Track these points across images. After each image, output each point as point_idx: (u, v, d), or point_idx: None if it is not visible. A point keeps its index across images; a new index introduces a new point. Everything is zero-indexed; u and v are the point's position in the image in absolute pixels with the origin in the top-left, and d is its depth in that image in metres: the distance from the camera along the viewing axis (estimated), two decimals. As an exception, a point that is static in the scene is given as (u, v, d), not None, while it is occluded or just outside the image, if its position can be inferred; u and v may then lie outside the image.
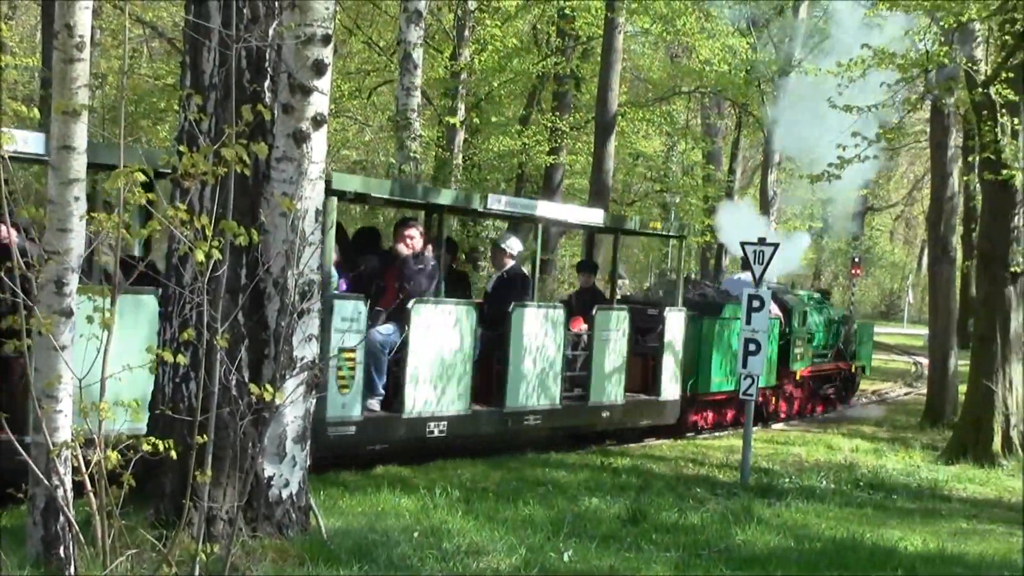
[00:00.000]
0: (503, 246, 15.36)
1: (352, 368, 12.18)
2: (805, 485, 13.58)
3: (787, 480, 13.91)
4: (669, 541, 9.88)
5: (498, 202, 14.49)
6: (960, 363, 22.15)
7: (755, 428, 16.06)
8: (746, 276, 18.86)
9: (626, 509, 11.01)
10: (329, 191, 10.92)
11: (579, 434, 16.45)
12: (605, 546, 9.46)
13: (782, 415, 21.60)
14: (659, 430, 17.56)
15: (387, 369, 12.96)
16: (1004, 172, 16.26)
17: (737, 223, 22.05)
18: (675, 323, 17.21)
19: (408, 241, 13.57)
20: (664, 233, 19.74)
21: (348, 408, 12.18)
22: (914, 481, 14.90)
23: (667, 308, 17.22)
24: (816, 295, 25.04)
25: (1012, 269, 16.98)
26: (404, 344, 12.89)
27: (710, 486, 13.24)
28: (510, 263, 15.23)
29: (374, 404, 12.82)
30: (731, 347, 18.18)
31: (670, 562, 9.16)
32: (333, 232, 11.87)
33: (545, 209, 15.25)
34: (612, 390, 15.99)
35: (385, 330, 12.96)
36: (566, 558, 8.88)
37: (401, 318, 12.98)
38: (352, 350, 12.11)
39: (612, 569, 8.76)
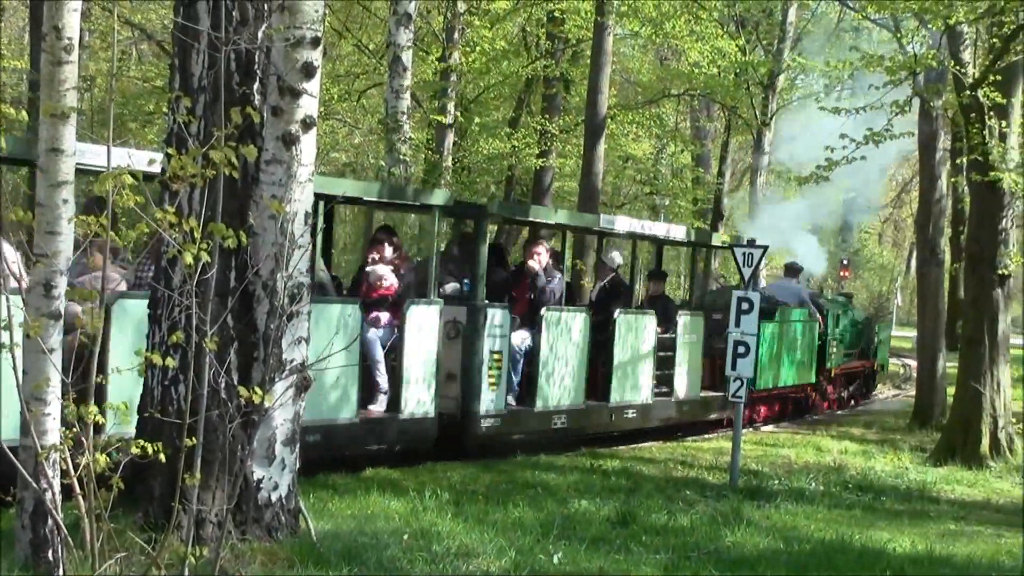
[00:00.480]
0: (605, 259, 17.91)
1: (499, 368, 14.23)
2: (794, 487, 13.60)
3: (776, 482, 13.93)
4: (658, 543, 9.89)
5: (610, 223, 16.79)
6: (948, 365, 22.18)
7: (746, 431, 16.12)
8: (786, 282, 22.79)
9: (615, 511, 11.02)
10: (484, 215, 14.54)
11: (662, 428, 18.06)
12: (594, 548, 9.47)
13: (825, 407, 23.78)
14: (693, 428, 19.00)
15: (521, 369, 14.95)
16: (992, 174, 16.29)
17: (776, 225, 23.14)
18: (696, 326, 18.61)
19: (537, 257, 15.38)
20: (713, 244, 20.66)
21: (496, 403, 14.28)
22: (903, 483, 14.93)
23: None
24: (840, 298, 27.00)
25: (1000, 271, 17.01)
26: (536, 347, 14.87)
27: (699, 488, 13.26)
28: (611, 274, 17.58)
29: (511, 400, 14.71)
30: (784, 348, 20.66)
31: (659, 564, 9.17)
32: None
33: (642, 227, 17.54)
34: (691, 387, 18.09)
35: (520, 335, 14.77)
36: (555, 560, 8.89)
37: (533, 324, 14.93)
38: (499, 352, 14.20)
39: (601, 571, 8.77)
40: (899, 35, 18.97)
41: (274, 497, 8.28)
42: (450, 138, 26.35)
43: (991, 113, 16.35)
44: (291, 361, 8.19)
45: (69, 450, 6.28)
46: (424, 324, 13.29)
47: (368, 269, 13.91)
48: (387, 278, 13.72)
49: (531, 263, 15.33)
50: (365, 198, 13.61)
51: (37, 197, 6.74)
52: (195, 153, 6.14)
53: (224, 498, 7.73)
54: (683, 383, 17.89)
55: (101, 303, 6.23)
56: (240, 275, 7.98)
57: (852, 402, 25.65)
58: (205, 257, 6.07)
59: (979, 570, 10.06)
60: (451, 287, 14.59)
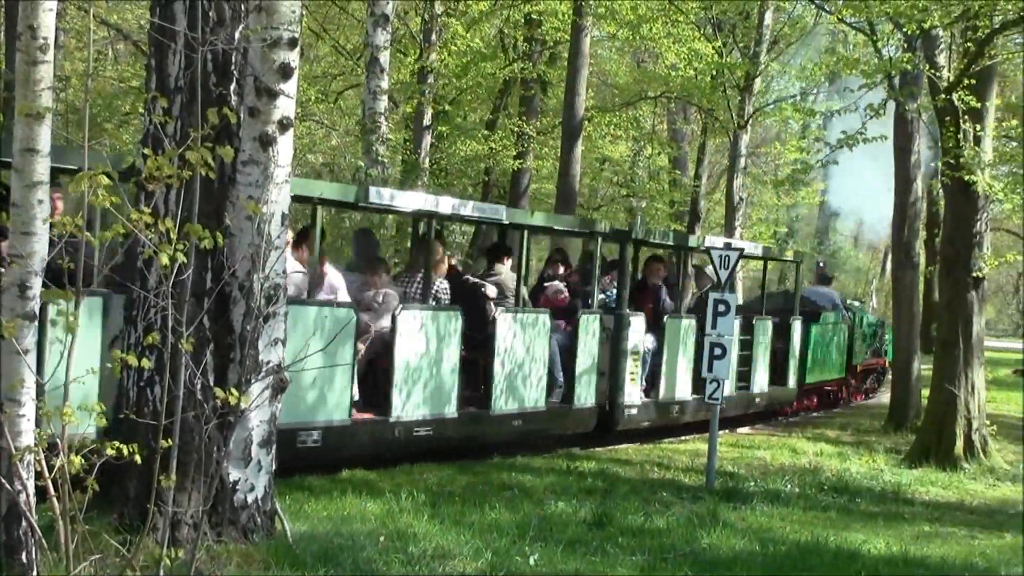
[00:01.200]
0: (706, 271, 20.26)
1: (637, 365, 16.80)
2: (770, 489, 13.63)
3: (752, 484, 13.95)
4: (635, 545, 9.90)
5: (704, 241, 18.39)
6: (923, 367, 22.26)
7: (722, 433, 16.14)
8: (821, 288, 25.88)
9: (592, 513, 11.03)
10: (628, 238, 17.15)
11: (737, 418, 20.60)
12: (571, 550, 9.48)
13: (856, 398, 27.08)
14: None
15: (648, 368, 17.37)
16: (966, 177, 16.35)
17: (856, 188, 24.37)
18: (796, 329, 22.10)
19: (658, 273, 18.40)
20: (784, 258, 24.45)
21: (633, 396, 16.82)
22: (877, 485, 14.97)
23: (791, 318, 21.92)
24: (857, 303, 29.57)
25: (974, 274, 17.08)
26: (660, 349, 17.47)
27: (676, 490, 13.28)
28: (709, 283, 19.48)
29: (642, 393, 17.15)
30: (825, 347, 23.69)
31: (636, 565, 9.18)
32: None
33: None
34: (763, 381, 20.93)
35: (648, 340, 17.19)
36: (532, 562, 8.90)
37: (657, 331, 17.42)
38: (637, 353, 16.80)
39: (578, 572, 8.78)
40: (874, 38, 19.03)
41: (250, 498, 8.26)
42: (427, 139, 26.35)
43: (966, 116, 16.41)
44: (267, 362, 8.18)
45: (44, 451, 6.26)
46: (589, 330, 15.92)
47: (547, 284, 17.04)
48: (563, 292, 16.80)
49: (653, 278, 18.22)
50: (556, 227, 16.91)
51: (12, 198, 6.71)
52: (171, 154, 6.12)
53: (200, 499, 7.72)
54: (760, 379, 20.79)
55: (77, 305, 6.20)
56: (216, 276, 7.97)
57: (867, 394, 28.50)
58: (181, 258, 6.05)
59: (953, 571, 10.10)
60: (600, 297, 16.62)
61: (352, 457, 12.70)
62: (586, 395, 16.04)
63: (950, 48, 18.46)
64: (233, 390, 6.62)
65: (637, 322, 16.83)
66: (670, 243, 19.41)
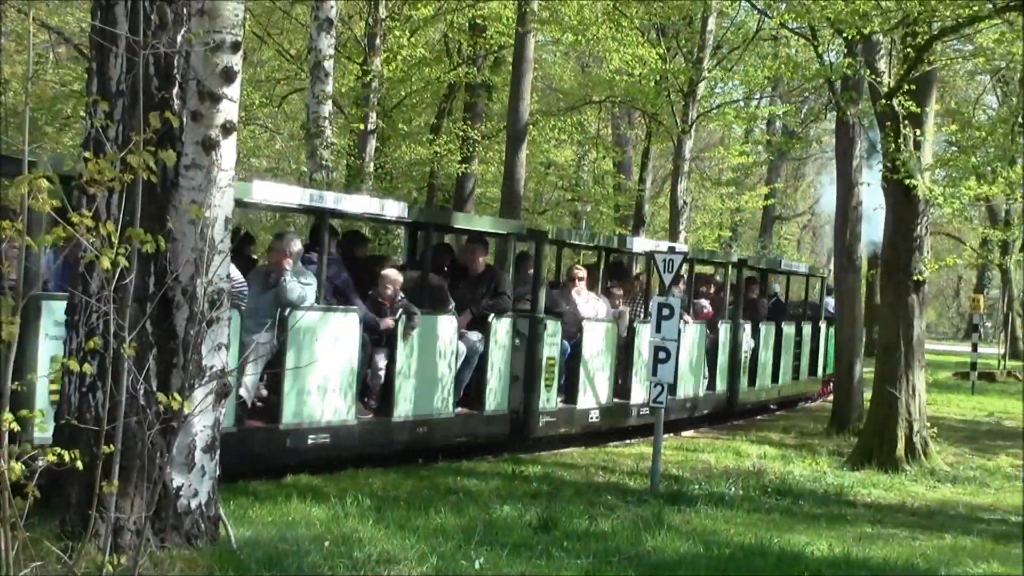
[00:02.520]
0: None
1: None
2: (714, 491, 13.68)
3: (697, 487, 14.00)
4: (580, 548, 9.92)
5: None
6: (866, 370, 22.43)
7: (667, 436, 16.21)
8: (828, 299, 27.07)
9: (537, 517, 11.04)
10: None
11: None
12: (516, 554, 9.49)
13: None
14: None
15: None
16: (907, 182, 16.49)
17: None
18: (821, 332, 26.10)
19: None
20: (808, 273, 26.99)
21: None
22: (820, 487, 15.07)
23: (817, 320, 25.78)
24: None
25: (915, 277, 17.23)
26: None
27: (621, 493, 13.31)
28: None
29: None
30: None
31: (581, 569, 9.20)
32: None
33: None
34: (788, 377, 24.53)
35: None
36: (477, 566, 8.90)
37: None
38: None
39: (523, 576, 8.79)
40: (816, 44, 19.17)
41: (194, 504, 8.22)
42: (372, 144, 26.29)
43: (906, 121, 16.55)
44: (211, 367, 8.15)
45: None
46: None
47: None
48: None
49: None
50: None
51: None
52: (113, 157, 6.09)
53: (143, 505, 7.67)
54: (785, 375, 24.40)
55: (17, 311, 6.16)
56: (159, 281, 7.92)
57: None
58: (123, 262, 6.02)
59: (895, 572, 10.19)
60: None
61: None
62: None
63: (890, 54, 18.64)
64: (176, 395, 6.60)
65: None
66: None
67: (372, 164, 26.28)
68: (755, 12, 27.20)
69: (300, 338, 12.50)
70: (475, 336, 15.17)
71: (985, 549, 11.51)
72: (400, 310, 13.99)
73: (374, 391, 14.11)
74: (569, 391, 16.85)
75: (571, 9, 26.45)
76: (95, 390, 7.89)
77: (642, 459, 15.84)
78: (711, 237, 46.72)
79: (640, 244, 20.43)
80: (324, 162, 21.77)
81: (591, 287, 18.11)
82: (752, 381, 22.41)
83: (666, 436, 16.27)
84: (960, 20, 16.05)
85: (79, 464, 6.18)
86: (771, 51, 31.28)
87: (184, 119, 7.96)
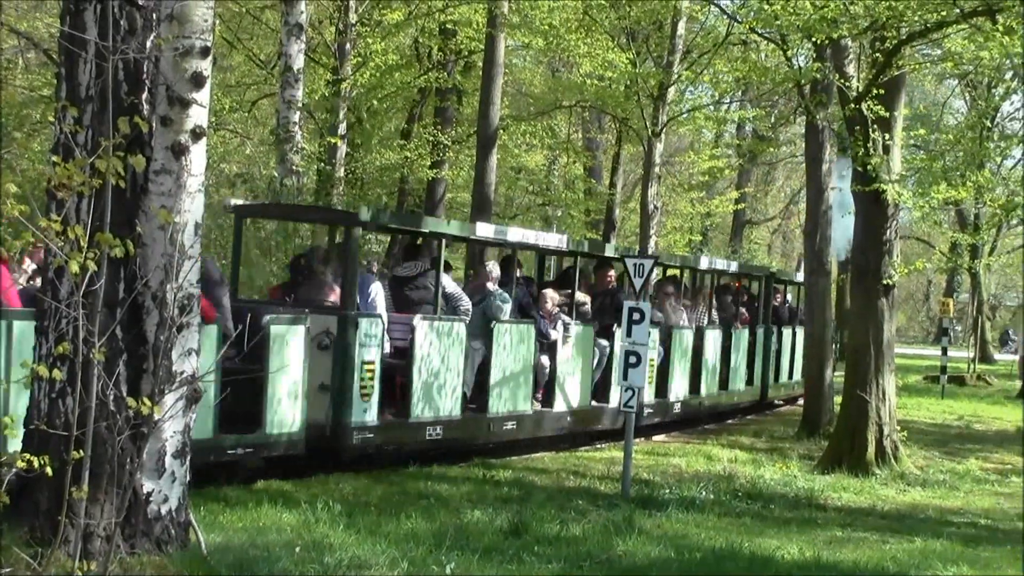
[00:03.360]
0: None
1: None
2: (685, 496, 13.69)
3: (667, 491, 14.01)
4: (551, 553, 9.93)
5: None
6: (836, 374, 22.51)
7: (638, 441, 16.22)
8: None
9: (508, 521, 11.05)
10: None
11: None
12: (487, 558, 9.49)
13: None
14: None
15: None
16: (876, 186, 16.55)
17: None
18: None
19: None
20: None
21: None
22: (791, 491, 15.11)
23: None
24: None
25: (885, 281, 17.29)
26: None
27: (591, 498, 13.33)
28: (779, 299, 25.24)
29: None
30: None
31: (552, 573, 9.23)
32: None
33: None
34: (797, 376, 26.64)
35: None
36: (448, 570, 8.90)
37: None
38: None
39: (494, 581, 8.80)
40: (785, 48, 19.24)
41: (164, 510, 8.20)
42: (342, 149, 26.26)
43: (875, 126, 16.62)
44: (181, 373, 8.13)
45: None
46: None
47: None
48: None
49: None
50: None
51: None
52: (82, 162, 6.08)
53: (113, 511, 7.64)
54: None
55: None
56: (129, 286, 7.90)
57: None
58: (92, 267, 6.01)
59: (865, 575, 10.23)
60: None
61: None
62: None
63: (859, 58, 18.72)
64: (146, 400, 6.58)
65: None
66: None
67: (343, 169, 26.25)
68: (725, 17, 27.29)
69: (500, 345, 15.81)
70: (604, 342, 18.21)
71: (955, 552, 11.56)
72: (559, 321, 17.10)
73: (541, 387, 17.05)
74: (661, 387, 19.95)
75: (541, 14, 26.47)
76: (65, 396, 7.86)
77: (613, 463, 15.86)
78: (682, 242, 46.81)
79: (705, 262, 23.89)
80: (294, 167, 21.74)
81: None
82: (777, 378, 25.47)
83: (637, 440, 16.29)
84: (928, 25, 16.12)
85: (48, 470, 6.16)
86: (741, 55, 31.37)
87: (153, 124, 7.95)
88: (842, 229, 23.81)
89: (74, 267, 5.92)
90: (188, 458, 8.38)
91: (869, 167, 16.47)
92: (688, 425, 21.71)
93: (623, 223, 42.81)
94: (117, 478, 7.65)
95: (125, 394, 7.57)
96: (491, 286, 16.12)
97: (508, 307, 16.02)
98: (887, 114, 16.62)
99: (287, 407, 12.60)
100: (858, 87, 17.02)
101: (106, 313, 7.39)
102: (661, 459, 17.36)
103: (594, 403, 18.19)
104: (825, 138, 21.67)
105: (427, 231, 15.81)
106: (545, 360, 16.97)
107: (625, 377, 13.85)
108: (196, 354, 8.32)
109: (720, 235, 58.05)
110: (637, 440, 16.18)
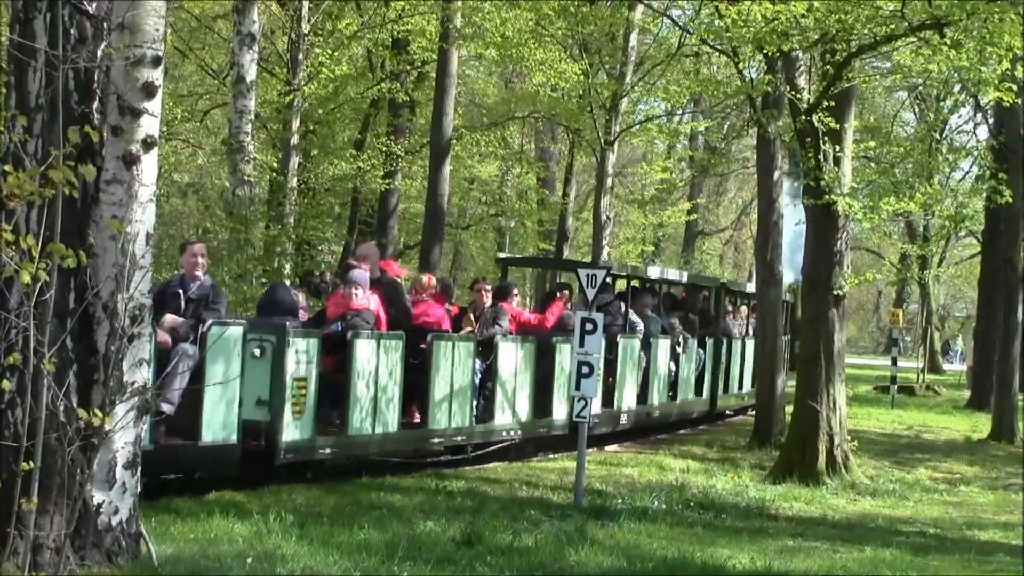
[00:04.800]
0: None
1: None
2: (637, 506, 13.71)
3: (620, 501, 14.03)
4: (503, 563, 9.93)
5: None
6: (788, 384, 22.61)
7: (590, 451, 16.24)
8: None
9: (461, 531, 11.03)
10: None
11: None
12: (440, 568, 9.48)
13: None
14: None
15: None
16: (826, 197, 16.66)
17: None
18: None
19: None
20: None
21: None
22: (742, 500, 15.16)
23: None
24: None
25: (835, 292, 17.39)
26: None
27: (544, 508, 13.33)
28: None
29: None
30: None
31: (504, 583, 9.22)
32: None
33: None
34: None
35: None
36: (401, 581, 8.90)
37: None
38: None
39: (447, 591, 8.79)
40: (737, 60, 19.34)
41: (114, 521, 8.15)
42: (295, 159, 26.21)
43: (825, 138, 16.73)
44: (132, 383, 8.09)
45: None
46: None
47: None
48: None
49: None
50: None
51: None
52: (32, 172, 6.05)
53: (62, 523, 7.60)
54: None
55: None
56: (80, 296, 7.86)
57: None
58: (43, 277, 5.98)
59: (816, 584, 10.30)
60: None
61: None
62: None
63: (810, 71, 18.83)
64: (97, 411, 6.55)
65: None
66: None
67: (295, 180, 26.20)
68: (677, 29, 27.43)
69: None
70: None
71: (904, 561, 11.63)
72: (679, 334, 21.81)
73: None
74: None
75: (494, 25, 26.52)
76: (14, 406, 7.80)
77: (565, 474, 15.88)
78: (634, 252, 46.96)
79: (751, 286, 26.74)
80: (246, 177, 21.68)
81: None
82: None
83: (589, 450, 16.31)
84: (878, 38, 16.25)
85: (-3, 481, 6.12)
86: (693, 67, 31.53)
87: (104, 134, 7.91)
88: (792, 249, 24.08)
89: (25, 277, 5.89)
90: (139, 469, 8.34)
91: (823, 182, 16.58)
92: (640, 435, 21.76)
93: (576, 233, 42.96)
94: (67, 489, 7.60)
95: (76, 405, 7.53)
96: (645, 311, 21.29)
97: (641, 326, 20.68)
98: (837, 126, 16.75)
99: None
100: (809, 99, 17.12)
101: (56, 323, 7.35)
102: (613, 469, 17.38)
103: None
104: (776, 150, 21.76)
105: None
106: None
107: (578, 387, 13.87)
108: (147, 364, 8.29)
109: (672, 245, 58.27)
110: (589, 450, 16.20)
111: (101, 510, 8.08)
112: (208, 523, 10.71)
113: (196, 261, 13.02)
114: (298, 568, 8.88)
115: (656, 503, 14.06)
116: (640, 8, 27.91)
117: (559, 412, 17.91)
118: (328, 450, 13.77)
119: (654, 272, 24.16)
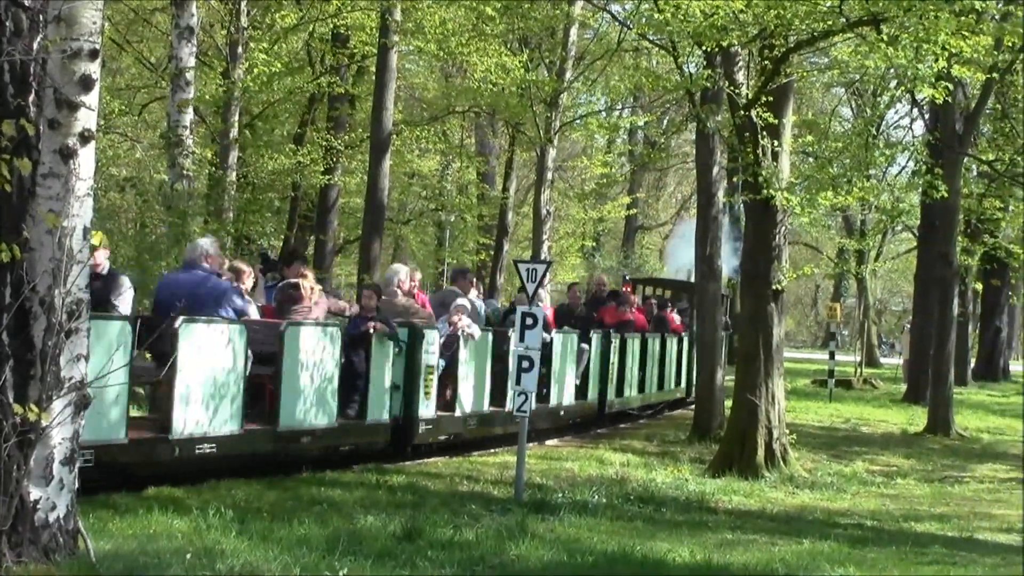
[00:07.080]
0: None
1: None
2: (578, 500, 13.76)
3: (560, 495, 14.07)
4: (444, 557, 9.93)
5: None
6: (727, 378, 22.74)
7: (530, 445, 16.26)
8: None
9: (401, 526, 11.03)
10: None
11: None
12: (380, 563, 9.48)
13: None
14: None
15: None
16: (764, 192, 16.77)
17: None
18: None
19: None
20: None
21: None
22: (682, 494, 15.23)
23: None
24: None
25: (774, 287, 17.50)
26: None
27: (485, 502, 13.34)
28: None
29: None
30: None
31: (445, 577, 9.22)
32: None
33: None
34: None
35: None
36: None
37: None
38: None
39: (387, 586, 8.79)
40: (676, 55, 19.43)
41: (52, 518, 8.09)
42: (234, 154, 26.08)
43: (764, 133, 16.83)
44: (70, 379, 8.03)
45: None
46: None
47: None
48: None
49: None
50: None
51: None
52: (-32, 166, 5.99)
53: (-1, 520, 7.53)
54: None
55: None
56: (16, 291, 7.79)
57: None
58: (-22, 272, 5.92)
59: (754, 577, 10.37)
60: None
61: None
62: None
63: (748, 66, 18.96)
64: (33, 407, 6.50)
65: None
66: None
67: (234, 174, 26.06)
68: (616, 23, 27.50)
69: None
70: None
71: (842, 553, 11.73)
72: None
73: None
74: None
75: (434, 20, 26.50)
76: (-51, 403, 7.74)
77: (506, 468, 15.90)
78: (575, 247, 47.08)
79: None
80: (185, 171, 21.55)
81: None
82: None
83: (530, 445, 16.34)
84: (815, 34, 16.38)
85: (-68, 478, 6.06)
86: (633, 62, 31.63)
87: (41, 127, 7.84)
88: (730, 245, 24.23)
89: (-40, 272, 5.83)
90: (77, 465, 8.28)
91: (760, 177, 16.68)
92: (581, 429, 21.81)
93: (516, 228, 42.96)
94: (4, 485, 7.54)
95: (12, 400, 7.47)
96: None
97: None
98: (776, 121, 16.86)
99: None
100: (747, 94, 17.22)
101: (-8, 318, 7.29)
102: (554, 463, 17.41)
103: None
104: (715, 144, 21.88)
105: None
106: None
107: (518, 382, 13.90)
108: (85, 360, 8.23)
109: (612, 240, 58.46)
110: (530, 445, 16.23)
111: (38, 506, 8.02)
112: (147, 519, 10.64)
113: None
114: (238, 564, 8.85)
115: (596, 497, 14.11)
116: (580, 3, 27.98)
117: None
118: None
119: None
